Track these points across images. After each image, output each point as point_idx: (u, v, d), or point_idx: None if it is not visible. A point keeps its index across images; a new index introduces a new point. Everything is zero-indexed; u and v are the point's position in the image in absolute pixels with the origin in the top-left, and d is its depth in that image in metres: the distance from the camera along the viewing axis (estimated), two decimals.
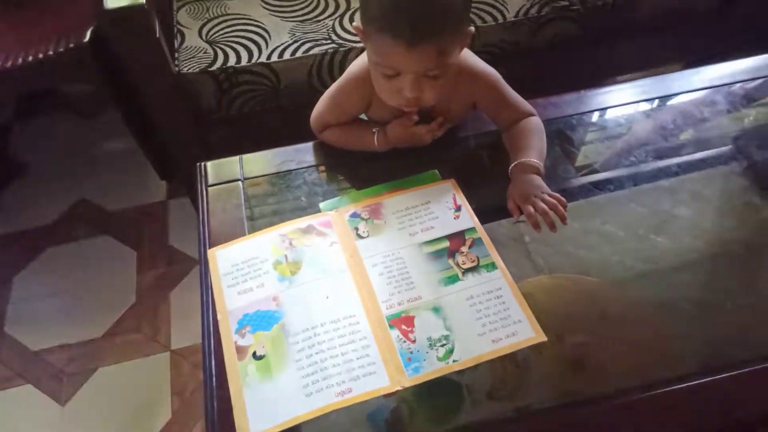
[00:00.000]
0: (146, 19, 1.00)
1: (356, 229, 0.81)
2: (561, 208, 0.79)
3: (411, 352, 0.69)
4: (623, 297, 0.84)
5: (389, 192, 0.85)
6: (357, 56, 1.17)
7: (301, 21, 1.25)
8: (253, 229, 0.82)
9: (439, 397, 0.69)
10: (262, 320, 0.72)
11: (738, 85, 1.02)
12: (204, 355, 0.72)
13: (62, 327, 1.30)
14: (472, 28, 0.77)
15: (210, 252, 0.80)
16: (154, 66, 1.07)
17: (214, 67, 1.15)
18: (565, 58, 1.35)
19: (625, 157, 0.94)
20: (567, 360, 0.73)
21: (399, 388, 0.66)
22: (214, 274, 0.78)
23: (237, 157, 0.92)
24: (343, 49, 1.19)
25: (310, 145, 0.93)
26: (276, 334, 0.71)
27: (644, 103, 1.00)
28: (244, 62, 1.16)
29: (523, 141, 0.85)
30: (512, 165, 0.83)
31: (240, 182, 0.88)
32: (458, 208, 0.83)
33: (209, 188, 0.88)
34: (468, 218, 0.81)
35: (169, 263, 1.40)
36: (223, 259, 0.79)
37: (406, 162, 0.88)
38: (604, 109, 1.00)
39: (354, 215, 0.82)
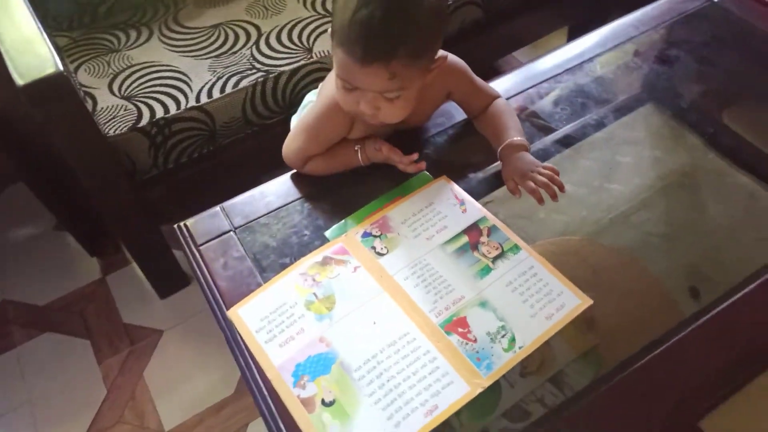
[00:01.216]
0: (68, 87, 0.90)
1: (373, 248, 0.79)
2: (557, 177, 0.82)
3: (477, 352, 0.69)
4: (603, 248, 0.90)
5: (389, 204, 0.84)
6: (288, 79, 1.16)
7: (217, 56, 1.19)
8: (267, 277, 0.77)
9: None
10: (317, 365, 0.69)
11: (638, 37, 1.11)
12: (268, 422, 0.67)
13: None
14: (445, 55, 0.78)
15: (231, 313, 0.74)
16: (81, 135, 0.96)
17: (142, 123, 1.06)
18: (473, 41, 1.41)
19: (562, 121, 1.00)
20: (582, 320, 0.74)
21: (480, 389, 0.66)
22: (245, 333, 0.72)
23: (217, 208, 0.86)
24: (273, 75, 1.15)
25: (287, 177, 0.90)
26: (338, 374, 0.68)
27: (566, 73, 1.06)
28: (173, 111, 1.09)
29: (501, 123, 0.87)
30: (500, 147, 0.85)
31: (232, 232, 0.83)
32: (462, 202, 0.84)
33: (200, 248, 0.82)
34: (475, 209, 0.83)
35: (132, 341, 1.28)
36: (249, 315, 0.74)
37: (391, 171, 0.87)
38: (538, 84, 1.06)
39: (366, 235, 0.80)
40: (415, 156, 0.84)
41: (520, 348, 0.69)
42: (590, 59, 1.06)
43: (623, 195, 0.92)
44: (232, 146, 1.20)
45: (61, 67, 0.88)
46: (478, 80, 0.89)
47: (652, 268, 0.86)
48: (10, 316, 1.34)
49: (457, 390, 0.66)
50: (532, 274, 0.76)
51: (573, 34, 1.72)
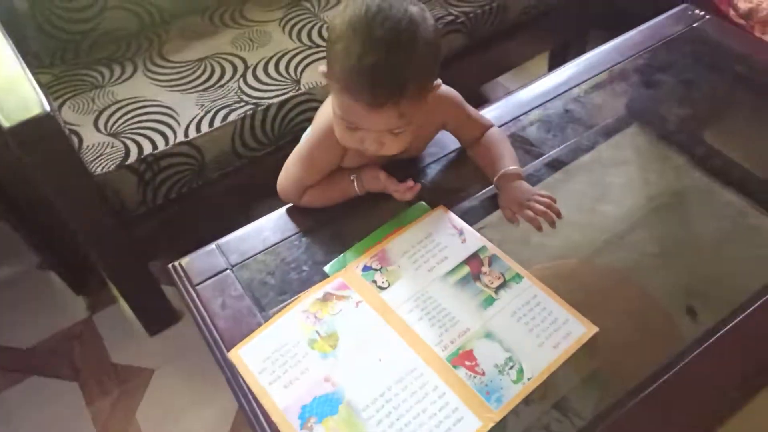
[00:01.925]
0: (56, 128, 0.88)
1: (374, 282, 0.78)
2: (555, 205, 0.83)
3: (485, 385, 0.68)
4: (599, 269, 0.90)
5: (388, 236, 0.83)
6: (277, 111, 1.15)
7: (204, 90, 1.18)
8: (267, 316, 0.76)
9: None
10: (324, 406, 0.67)
11: (622, 62, 1.14)
12: None
13: None
14: (439, 81, 0.78)
15: (232, 354, 0.73)
16: (68, 175, 0.94)
17: (130, 160, 1.05)
18: (458, 68, 1.42)
19: (551, 146, 1.01)
20: (583, 344, 0.73)
21: (492, 424, 0.65)
22: (247, 375, 0.71)
23: (212, 245, 0.84)
24: (261, 107, 1.14)
25: (282, 212, 0.89)
26: (346, 414, 0.66)
27: (554, 100, 1.07)
28: (162, 147, 1.07)
29: (496, 152, 0.88)
30: (497, 177, 0.85)
31: (229, 270, 0.81)
32: (461, 232, 0.83)
33: (197, 288, 0.80)
34: (475, 238, 0.82)
35: (122, 382, 1.24)
36: (251, 356, 0.72)
37: (387, 202, 0.87)
38: (528, 111, 1.07)
39: (366, 268, 0.79)
40: (411, 183, 0.84)
41: (528, 379, 0.68)
42: (577, 85, 1.08)
43: (615, 216, 0.93)
44: (221, 180, 1.18)
45: (47, 108, 0.87)
46: (472, 110, 0.90)
47: (648, 288, 0.87)
48: None
49: (468, 425, 0.65)
50: (536, 303, 0.75)
51: (554, 58, 1.75)
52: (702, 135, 1.12)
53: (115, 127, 1.11)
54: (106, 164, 1.04)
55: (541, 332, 0.72)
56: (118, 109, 1.15)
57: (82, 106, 1.16)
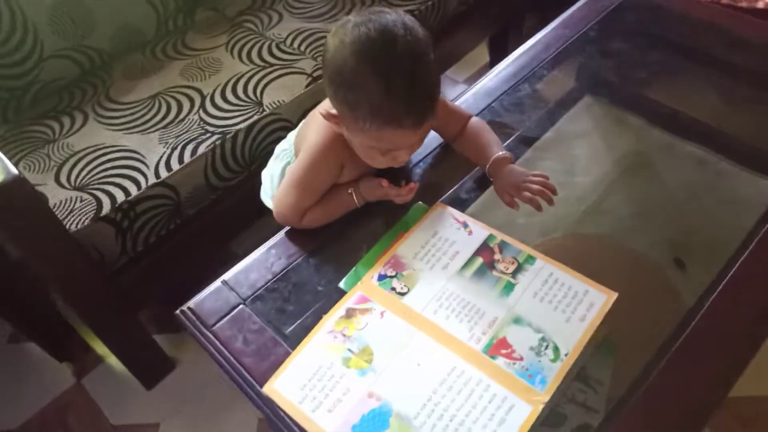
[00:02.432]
0: (28, 189, 0.83)
1: (393, 289, 0.78)
2: (549, 182, 0.85)
3: (526, 369, 0.69)
4: (586, 238, 0.93)
5: (395, 241, 0.83)
6: (246, 136, 1.13)
7: (164, 127, 1.14)
8: (293, 344, 0.74)
9: None
10: (374, 422, 0.66)
11: (572, 38, 1.18)
12: None
13: None
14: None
15: (267, 389, 0.70)
16: (46, 237, 0.89)
17: (105, 212, 1.00)
18: None
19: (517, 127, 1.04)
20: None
21: (542, 406, 0.66)
22: (288, 406, 0.69)
23: (218, 283, 0.82)
24: (229, 135, 1.11)
25: (282, 237, 0.87)
26: (398, 427, 0.65)
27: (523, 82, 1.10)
28: (135, 192, 1.03)
29: (482, 141, 0.89)
30: (488, 165, 0.87)
31: (243, 305, 0.79)
32: (465, 225, 0.84)
33: (213, 329, 0.77)
34: (480, 229, 0.83)
35: None
36: (287, 387, 0.70)
37: (384, 209, 0.86)
38: (498, 98, 1.09)
39: (381, 277, 0.79)
40: (412, 185, 0.84)
41: (565, 355, 0.70)
42: (539, 65, 1.11)
43: (589, 186, 0.96)
44: (198, 216, 1.15)
45: (15, 171, 0.82)
46: (451, 103, 0.91)
47: (634, 246, 0.90)
48: None
49: (520, 412, 0.65)
50: (554, 281, 0.77)
51: (493, 45, 1.79)
52: (652, 95, 1.18)
53: (79, 180, 1.06)
54: (80, 219, 0.99)
55: (565, 308, 0.74)
56: (78, 161, 1.09)
57: (38, 164, 1.10)
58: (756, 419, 1.09)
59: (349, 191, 0.84)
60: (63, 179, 1.07)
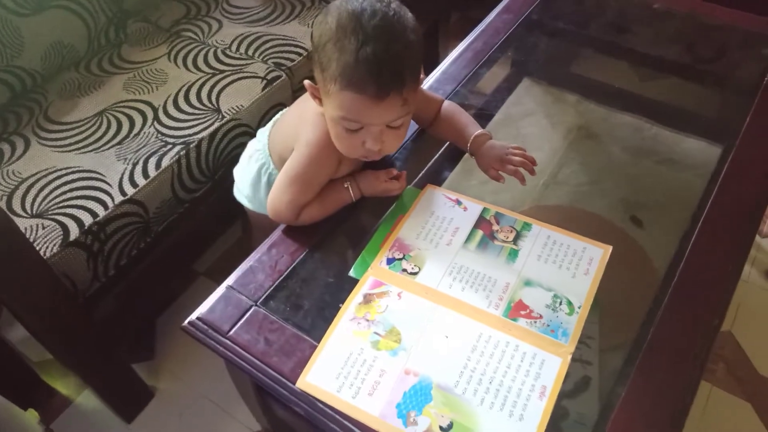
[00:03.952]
0: (2, 215, 0.76)
1: (404, 270, 0.79)
2: (528, 154, 0.89)
3: (548, 326, 0.73)
4: (551, 208, 0.99)
5: (394, 227, 0.84)
6: (209, 144, 1.10)
7: (119, 143, 1.08)
8: (316, 336, 0.74)
9: None
10: (417, 397, 0.67)
11: (512, 27, 1.25)
12: None
13: None
14: (422, 75, 0.80)
15: (300, 383, 0.69)
16: (23, 268, 0.82)
17: (73, 236, 0.93)
18: None
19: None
20: None
21: (569, 356, 0.70)
22: (327, 397, 0.68)
23: (224, 288, 0.79)
24: (193, 144, 1.08)
25: (279, 234, 0.85)
26: (441, 397, 0.67)
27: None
28: (102, 213, 0.96)
29: (459, 122, 0.92)
30: (469, 144, 0.90)
31: (256, 306, 0.77)
32: (458, 202, 0.87)
33: (229, 335, 0.75)
34: (473, 204, 0.87)
35: None
36: (321, 379, 0.70)
37: (376, 198, 0.88)
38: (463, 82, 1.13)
39: (390, 261, 0.80)
40: (402, 173, 0.87)
41: (579, 308, 0.74)
42: (484, 54, 1.16)
43: (542, 161, 1.02)
44: (167, 231, 1.10)
45: None
46: (424, 90, 0.94)
47: (593, 210, 0.97)
48: None
49: (552, 365, 0.69)
50: (553, 242, 0.82)
51: (426, 38, 1.85)
52: (585, 72, 1.28)
53: (37, 207, 0.98)
54: (48, 247, 0.92)
55: (569, 265, 0.79)
56: (30, 187, 1.02)
57: None
58: (714, 353, 1.21)
59: (346, 185, 0.84)
60: (17, 207, 0.99)
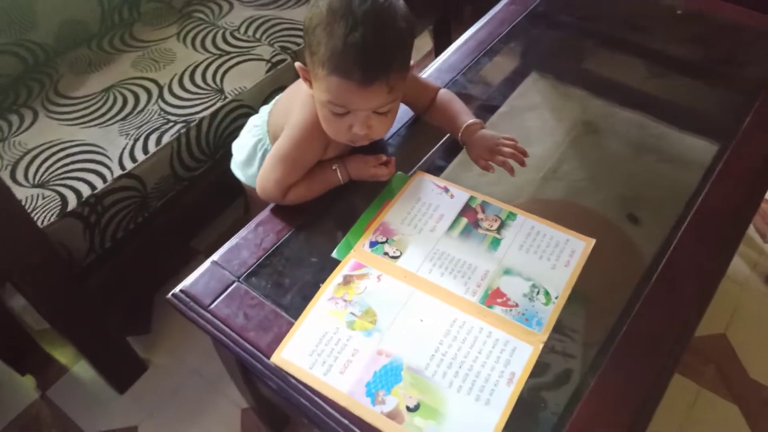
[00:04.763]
0: (2, 188, 0.79)
1: (386, 254, 0.80)
2: (519, 145, 0.89)
3: (522, 314, 0.73)
4: (546, 202, 0.98)
5: (380, 211, 0.85)
6: (210, 124, 1.12)
7: (123, 119, 1.11)
8: (294, 314, 0.75)
9: None
10: (387, 377, 0.68)
11: (517, 20, 1.24)
12: None
13: None
14: (413, 62, 0.81)
15: (275, 359, 0.71)
16: (18, 235, 0.85)
17: (71, 207, 0.96)
18: None
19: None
20: None
21: (542, 345, 0.70)
22: (299, 373, 0.69)
23: (209, 263, 0.81)
24: (194, 123, 1.09)
25: (268, 214, 0.87)
26: (411, 378, 0.68)
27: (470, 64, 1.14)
28: (100, 186, 0.99)
29: (452, 110, 0.93)
30: (460, 132, 0.90)
31: (238, 282, 0.79)
32: (446, 189, 0.87)
33: (210, 309, 0.76)
34: (461, 192, 0.87)
35: None
36: (295, 355, 0.71)
37: (366, 182, 0.88)
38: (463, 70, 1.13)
39: (373, 244, 0.81)
40: (391, 159, 0.87)
41: (556, 298, 0.75)
42: (487, 45, 1.16)
43: (543, 155, 1.02)
44: (165, 208, 1.12)
45: None
46: (420, 77, 0.94)
47: (590, 206, 0.97)
48: None
49: (523, 353, 0.70)
50: (536, 233, 0.82)
51: (438, 32, 1.84)
52: (592, 68, 1.27)
53: (38, 177, 1.01)
54: (46, 216, 0.95)
55: (550, 256, 0.79)
56: (34, 158, 1.04)
57: None
58: (705, 354, 1.19)
59: (334, 167, 0.85)
60: (20, 177, 1.02)
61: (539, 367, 0.70)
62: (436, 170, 0.93)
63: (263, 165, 0.85)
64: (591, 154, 1.09)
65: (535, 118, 1.14)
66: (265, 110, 0.98)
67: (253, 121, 1.00)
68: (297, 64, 0.77)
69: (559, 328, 0.74)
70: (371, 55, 0.69)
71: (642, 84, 1.19)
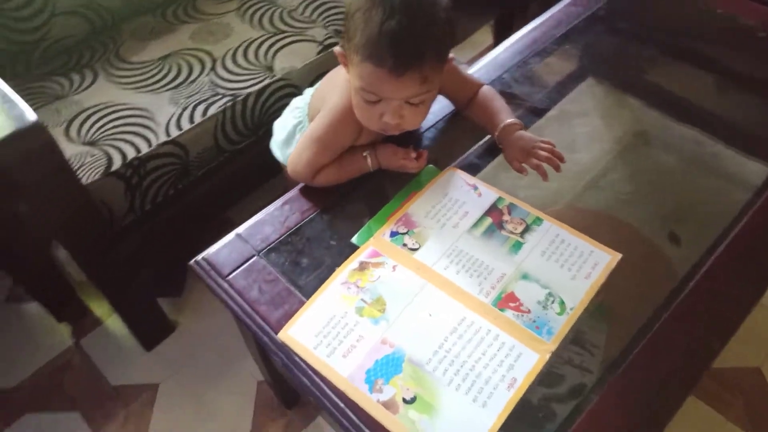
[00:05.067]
0: (47, 138, 0.83)
1: (405, 245, 0.80)
2: (556, 150, 0.87)
3: (534, 321, 0.72)
4: (584, 212, 0.96)
5: (406, 201, 0.85)
6: (256, 100, 1.14)
7: (176, 87, 1.15)
8: (307, 293, 0.76)
9: None
10: (388, 367, 0.68)
11: (576, 21, 1.20)
12: None
13: None
14: (452, 55, 0.80)
15: (282, 335, 0.72)
16: (60, 187, 0.90)
17: (115, 167, 1.00)
18: None
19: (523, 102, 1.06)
20: None
21: (549, 354, 0.69)
22: (303, 352, 0.71)
23: (233, 235, 0.83)
24: (240, 98, 1.12)
25: (296, 193, 0.88)
26: (411, 371, 0.68)
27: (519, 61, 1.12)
28: (145, 149, 1.03)
29: (492, 108, 0.91)
30: (497, 131, 0.89)
31: (257, 257, 0.80)
32: (475, 187, 0.86)
33: (228, 279, 0.79)
34: (490, 191, 0.86)
35: (126, 403, 1.19)
36: (302, 334, 0.72)
37: (395, 173, 0.88)
38: (511, 68, 1.11)
39: (393, 234, 0.81)
40: (423, 153, 0.87)
41: (571, 309, 0.73)
42: (546, 42, 1.13)
43: (588, 163, 0.99)
44: (205, 177, 1.15)
45: (34, 117, 0.82)
46: (463, 71, 0.93)
47: (631, 221, 0.93)
48: None
49: (528, 360, 0.68)
50: (561, 241, 0.80)
51: (499, 28, 1.81)
52: (652, 78, 1.21)
53: (89, 135, 1.06)
54: (91, 174, 0.99)
55: (571, 266, 0.77)
56: (88, 117, 1.09)
57: (47, 119, 1.10)
58: (736, 386, 1.14)
59: (365, 154, 0.85)
60: (73, 134, 1.07)
61: (553, 378, 0.69)
62: (473, 169, 0.91)
63: (296, 145, 0.86)
64: (638, 167, 1.05)
65: (585, 124, 1.10)
66: (308, 92, 0.99)
67: (295, 102, 1.01)
68: (336, 48, 0.77)
69: (580, 342, 0.72)
70: (405, 44, 0.69)
71: (702, 99, 1.14)
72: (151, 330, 1.25)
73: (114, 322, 1.31)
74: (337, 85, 0.83)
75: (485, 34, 1.90)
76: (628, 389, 0.67)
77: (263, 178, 1.28)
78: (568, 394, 0.69)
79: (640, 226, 0.92)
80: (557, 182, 0.95)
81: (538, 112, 1.02)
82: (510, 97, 1.01)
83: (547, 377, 0.69)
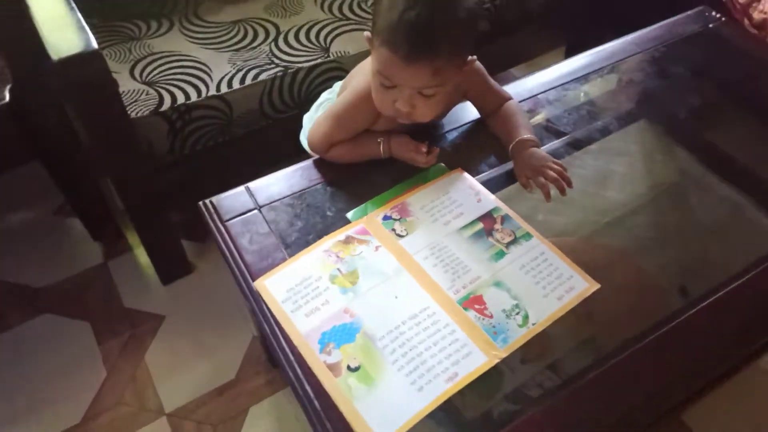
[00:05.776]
0: (103, 65, 0.93)
1: (393, 230, 0.83)
2: (566, 174, 0.88)
3: (493, 326, 0.73)
4: (598, 247, 0.95)
5: (408, 191, 0.88)
6: (306, 75, 1.20)
7: (237, 50, 1.23)
8: (291, 252, 0.81)
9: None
10: (342, 334, 0.72)
11: (638, 55, 1.19)
12: (293, 385, 0.70)
13: (30, 427, 1.14)
14: (474, 57, 0.82)
15: (257, 283, 0.78)
16: (109, 114, 0.99)
17: (164, 108, 1.09)
18: (477, 51, 1.47)
19: (565, 127, 1.06)
20: (582, 311, 0.77)
21: (497, 360, 0.70)
22: (272, 303, 0.76)
23: (242, 188, 0.89)
24: (291, 71, 1.19)
25: (310, 162, 0.94)
26: (362, 342, 0.71)
27: (572, 83, 1.12)
28: (194, 98, 1.12)
29: (513, 122, 0.93)
30: (511, 145, 0.91)
31: (257, 210, 0.86)
32: (477, 192, 0.88)
33: (226, 224, 0.85)
34: (489, 199, 0.88)
35: (133, 326, 1.29)
36: (275, 286, 0.77)
37: (406, 163, 0.92)
38: (546, 91, 1.12)
39: (386, 218, 0.85)
40: (434, 149, 0.89)
41: (533, 324, 0.74)
42: (594, 71, 1.13)
43: (617, 201, 0.97)
44: (245, 138, 1.23)
45: (95, 45, 0.92)
46: (493, 82, 0.95)
47: (645, 267, 0.92)
48: (4, 296, 1.34)
49: (475, 360, 0.70)
50: (544, 259, 0.81)
51: (570, 55, 1.80)
52: (706, 132, 1.18)
53: (150, 76, 1.16)
54: (140, 110, 1.09)
55: (546, 284, 0.78)
56: (154, 60, 1.20)
57: (118, 55, 1.21)
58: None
59: (379, 140, 0.89)
60: (136, 73, 1.17)
61: (519, 395, 0.70)
62: (492, 184, 0.91)
63: (317, 118, 0.91)
64: (667, 217, 1.03)
65: (624, 164, 1.09)
66: (337, 85, 1.04)
67: (325, 95, 1.06)
68: (366, 32, 0.82)
69: (557, 368, 0.73)
70: (420, 33, 0.72)
71: (756, 162, 1.10)
72: (171, 267, 1.34)
73: (141, 253, 1.41)
74: (364, 69, 0.88)
75: (557, 57, 1.90)
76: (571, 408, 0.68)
77: (296, 154, 1.34)
78: (520, 410, 0.70)
79: (652, 272, 0.91)
80: (581, 214, 0.96)
81: (579, 146, 1.02)
82: (552, 124, 1.02)
83: (513, 394, 0.70)
